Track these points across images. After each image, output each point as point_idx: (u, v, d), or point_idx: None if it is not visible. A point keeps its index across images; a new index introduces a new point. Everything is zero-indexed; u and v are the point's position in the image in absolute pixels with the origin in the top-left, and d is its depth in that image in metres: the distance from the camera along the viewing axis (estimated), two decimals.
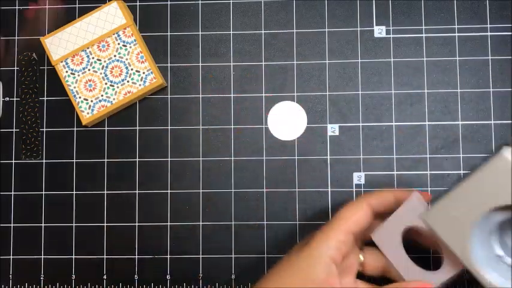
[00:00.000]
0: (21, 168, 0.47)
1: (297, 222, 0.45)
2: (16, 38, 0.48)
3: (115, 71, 0.46)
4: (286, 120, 0.46)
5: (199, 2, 0.48)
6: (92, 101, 0.46)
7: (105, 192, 0.46)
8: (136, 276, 0.45)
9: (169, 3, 0.48)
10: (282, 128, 0.46)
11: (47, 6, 0.48)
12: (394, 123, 0.46)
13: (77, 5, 0.48)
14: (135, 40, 0.46)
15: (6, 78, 0.48)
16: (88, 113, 0.46)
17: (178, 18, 0.48)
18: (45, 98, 0.47)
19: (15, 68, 0.48)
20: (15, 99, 0.47)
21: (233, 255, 0.45)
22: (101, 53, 0.46)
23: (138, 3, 0.48)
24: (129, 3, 0.48)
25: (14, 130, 0.47)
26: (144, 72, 0.46)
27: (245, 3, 0.47)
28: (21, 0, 0.48)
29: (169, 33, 0.47)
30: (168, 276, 0.45)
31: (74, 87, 0.46)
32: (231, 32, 0.47)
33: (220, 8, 0.47)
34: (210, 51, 0.47)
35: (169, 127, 0.47)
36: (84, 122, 0.46)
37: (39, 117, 0.47)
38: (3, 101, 0.48)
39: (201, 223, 0.46)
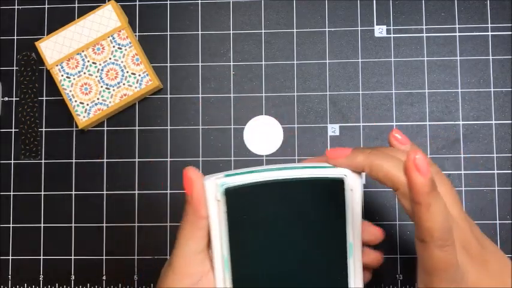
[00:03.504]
0: (21, 168, 0.47)
1: None
2: (15, 37, 0.48)
3: (110, 74, 0.46)
4: (263, 135, 0.46)
5: (199, 1, 0.47)
6: (87, 104, 0.46)
7: (105, 192, 0.46)
8: (136, 277, 0.45)
9: (169, 3, 0.48)
10: (259, 142, 0.46)
11: (46, 6, 0.48)
12: (394, 123, 0.46)
13: (76, 5, 0.48)
14: (130, 42, 0.46)
15: (5, 78, 0.48)
16: (84, 117, 0.46)
17: (178, 18, 0.47)
18: (44, 98, 0.47)
19: (15, 68, 0.48)
20: (14, 99, 0.47)
21: None
22: (96, 56, 0.46)
23: (137, 3, 0.48)
24: (128, 3, 0.48)
25: (13, 130, 0.47)
26: (139, 75, 0.46)
27: (245, 3, 0.47)
28: (21, 0, 0.48)
29: (169, 33, 0.47)
30: None
31: (70, 91, 0.46)
32: (231, 32, 0.47)
33: (220, 7, 0.47)
34: (210, 51, 0.47)
35: (169, 127, 0.47)
36: (80, 126, 0.46)
37: (38, 117, 0.47)
38: (2, 100, 0.47)
39: None
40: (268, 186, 0.31)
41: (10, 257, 0.46)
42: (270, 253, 0.32)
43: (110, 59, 0.46)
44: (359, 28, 0.46)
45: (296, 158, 0.45)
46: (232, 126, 0.46)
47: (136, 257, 0.46)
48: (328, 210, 0.32)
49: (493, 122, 0.45)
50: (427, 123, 0.45)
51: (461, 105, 0.45)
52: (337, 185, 0.32)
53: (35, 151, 0.47)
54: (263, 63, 0.47)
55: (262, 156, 0.46)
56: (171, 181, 0.46)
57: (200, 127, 0.46)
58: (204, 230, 0.31)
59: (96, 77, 0.46)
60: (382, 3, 0.46)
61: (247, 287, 0.32)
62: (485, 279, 0.29)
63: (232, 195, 0.31)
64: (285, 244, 0.32)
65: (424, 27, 0.46)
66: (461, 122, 0.45)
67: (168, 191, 0.46)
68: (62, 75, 0.46)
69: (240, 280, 0.32)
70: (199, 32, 0.47)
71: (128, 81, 0.46)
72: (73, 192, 0.46)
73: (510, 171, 0.45)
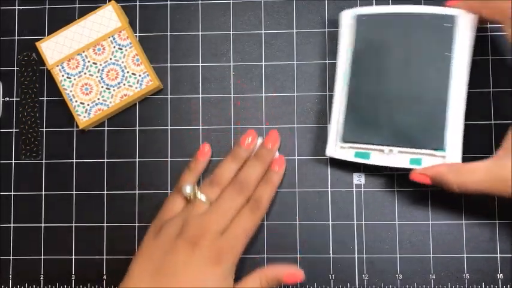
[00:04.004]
0: (21, 168, 0.47)
1: (297, 223, 0.45)
2: (16, 38, 0.48)
3: (111, 74, 0.46)
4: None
5: (199, 2, 0.48)
6: (88, 104, 0.46)
7: (105, 192, 0.46)
8: None
9: (169, 3, 0.48)
10: None
11: (47, 6, 0.48)
12: None
13: (76, 5, 0.48)
14: (130, 43, 0.46)
15: (5, 79, 0.48)
16: (85, 117, 0.46)
17: (178, 18, 0.48)
18: (45, 98, 0.47)
19: (15, 68, 0.48)
20: (14, 99, 0.47)
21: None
22: (97, 57, 0.46)
23: (138, 3, 0.48)
24: (128, 3, 0.48)
25: (13, 130, 0.47)
26: (140, 75, 0.46)
27: (245, 3, 0.47)
28: (21, 1, 0.48)
29: (169, 33, 0.47)
30: None
31: (70, 91, 0.46)
32: (231, 32, 0.47)
33: (220, 8, 0.47)
34: (210, 51, 0.47)
35: (169, 127, 0.47)
36: (81, 126, 0.46)
37: (38, 117, 0.47)
38: (3, 101, 0.48)
39: None
40: (390, 16, 0.41)
41: (11, 257, 0.46)
42: (383, 72, 0.41)
43: (111, 59, 0.46)
44: None
45: (296, 157, 0.46)
46: (232, 126, 0.46)
47: None
48: (439, 44, 0.40)
49: (492, 122, 0.45)
50: None
51: None
52: (449, 21, 0.40)
53: (35, 151, 0.47)
54: (263, 63, 0.47)
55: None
56: (171, 181, 0.46)
57: (200, 127, 0.47)
58: None
59: (97, 77, 0.46)
60: (381, 4, 0.47)
61: (359, 93, 0.41)
62: None
63: (361, 22, 0.41)
64: (396, 67, 0.41)
65: None
66: None
67: (169, 191, 0.46)
68: (63, 76, 0.46)
69: (354, 88, 0.42)
70: (200, 33, 0.47)
71: (128, 82, 0.46)
72: (73, 192, 0.47)
73: None
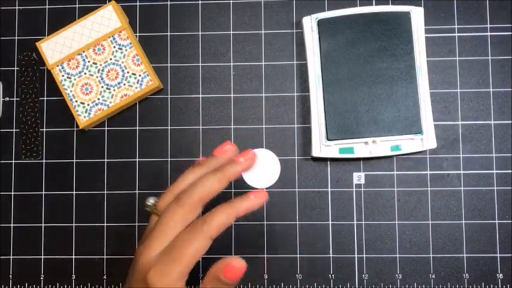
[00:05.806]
0: (21, 168, 0.47)
1: (297, 222, 0.45)
2: (16, 38, 0.48)
3: (111, 74, 0.46)
4: (261, 169, 0.45)
5: (199, 2, 0.48)
6: (88, 104, 0.46)
7: (105, 192, 0.46)
8: None
9: (169, 3, 0.48)
10: (258, 176, 0.44)
11: (47, 6, 0.48)
12: None
13: (76, 5, 0.48)
14: (130, 43, 0.46)
15: (6, 78, 0.48)
16: (85, 117, 0.46)
17: (178, 18, 0.48)
18: (45, 98, 0.47)
19: (15, 68, 0.48)
20: (15, 99, 0.47)
21: (233, 255, 0.45)
22: (97, 57, 0.46)
23: (138, 3, 0.48)
24: (129, 4, 0.48)
25: (14, 130, 0.47)
26: (140, 75, 0.46)
27: (245, 3, 0.47)
28: (21, 0, 0.48)
29: (169, 33, 0.47)
30: None
31: (71, 91, 0.46)
32: (231, 32, 0.47)
33: (220, 8, 0.47)
34: (210, 51, 0.47)
35: (169, 127, 0.47)
36: (81, 126, 0.46)
37: (39, 117, 0.47)
38: (3, 101, 0.48)
39: None
40: (350, 17, 0.44)
41: (11, 257, 0.46)
42: (352, 69, 0.44)
43: (111, 59, 0.46)
44: None
45: (296, 157, 0.46)
46: (232, 127, 0.46)
47: None
48: (399, 37, 0.44)
49: (492, 122, 0.45)
50: None
51: (460, 105, 0.46)
52: (405, 17, 0.44)
53: (35, 151, 0.47)
54: (263, 63, 0.47)
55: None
56: (171, 181, 0.46)
57: (200, 127, 0.47)
58: None
59: (97, 77, 0.46)
60: (381, 4, 0.47)
61: (334, 93, 0.44)
62: None
63: (323, 25, 0.44)
64: (365, 62, 0.44)
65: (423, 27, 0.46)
66: (460, 122, 0.45)
67: None
68: (63, 76, 0.46)
69: (328, 89, 0.44)
70: (200, 33, 0.47)
71: (129, 82, 0.46)
72: (73, 192, 0.47)
73: (509, 171, 0.45)
